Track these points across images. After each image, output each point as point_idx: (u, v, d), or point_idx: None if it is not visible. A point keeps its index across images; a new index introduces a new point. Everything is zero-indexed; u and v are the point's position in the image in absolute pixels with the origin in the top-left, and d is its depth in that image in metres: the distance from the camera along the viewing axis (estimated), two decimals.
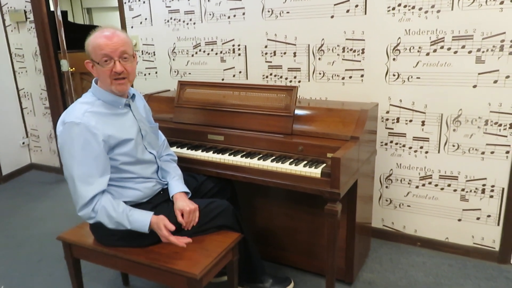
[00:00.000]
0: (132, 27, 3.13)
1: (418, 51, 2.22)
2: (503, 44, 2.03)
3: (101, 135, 1.59)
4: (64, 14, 5.37)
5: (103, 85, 1.68)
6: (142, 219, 1.62)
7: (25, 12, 3.64)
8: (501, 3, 1.98)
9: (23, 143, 4.11)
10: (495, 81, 2.09)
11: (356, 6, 2.30)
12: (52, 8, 3.62)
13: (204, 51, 2.89)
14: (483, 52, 2.08)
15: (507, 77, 2.06)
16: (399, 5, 2.20)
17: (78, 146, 1.57)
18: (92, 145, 1.57)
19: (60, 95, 3.82)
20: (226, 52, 2.80)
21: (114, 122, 1.67)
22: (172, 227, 1.62)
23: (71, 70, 3.75)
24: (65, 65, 3.67)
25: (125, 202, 1.67)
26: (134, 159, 1.71)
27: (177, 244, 1.61)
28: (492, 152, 2.19)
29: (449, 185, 2.34)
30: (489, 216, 2.29)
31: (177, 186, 1.83)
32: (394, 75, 2.31)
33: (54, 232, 2.65)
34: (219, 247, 1.71)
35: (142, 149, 1.76)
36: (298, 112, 2.07)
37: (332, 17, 2.38)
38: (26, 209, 3.32)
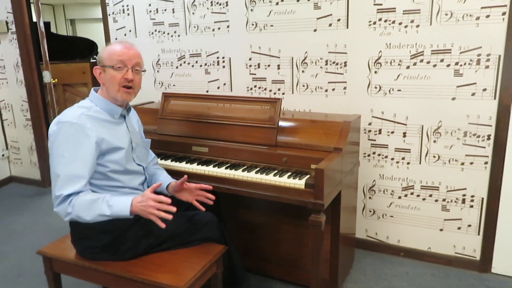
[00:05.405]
0: (116, 38, 3.12)
1: (399, 64, 2.27)
2: (479, 58, 2.10)
3: (95, 137, 1.61)
4: (47, 25, 5.32)
5: (107, 91, 1.71)
6: (123, 201, 1.55)
7: (7, 23, 3.60)
8: (477, 18, 2.05)
9: (3, 155, 4.02)
10: (473, 94, 2.15)
11: (338, 20, 2.35)
12: (34, 19, 3.58)
13: (188, 63, 2.89)
14: (461, 65, 2.14)
15: (484, 90, 2.12)
16: (380, 19, 2.25)
17: (70, 145, 1.57)
18: (84, 146, 1.58)
19: (41, 106, 3.78)
20: (210, 64, 2.81)
21: (108, 128, 1.69)
22: (159, 197, 1.52)
23: (54, 81, 3.71)
24: (47, 76, 3.62)
25: None
26: (122, 168, 1.72)
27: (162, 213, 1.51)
28: (471, 163, 2.24)
29: (430, 196, 2.38)
30: (469, 225, 2.33)
31: (170, 178, 1.91)
32: (376, 87, 2.36)
33: (33, 246, 2.59)
34: (203, 259, 1.69)
35: (131, 160, 1.77)
36: (282, 123, 2.08)
37: (315, 30, 2.42)
38: (5, 222, 3.23)
